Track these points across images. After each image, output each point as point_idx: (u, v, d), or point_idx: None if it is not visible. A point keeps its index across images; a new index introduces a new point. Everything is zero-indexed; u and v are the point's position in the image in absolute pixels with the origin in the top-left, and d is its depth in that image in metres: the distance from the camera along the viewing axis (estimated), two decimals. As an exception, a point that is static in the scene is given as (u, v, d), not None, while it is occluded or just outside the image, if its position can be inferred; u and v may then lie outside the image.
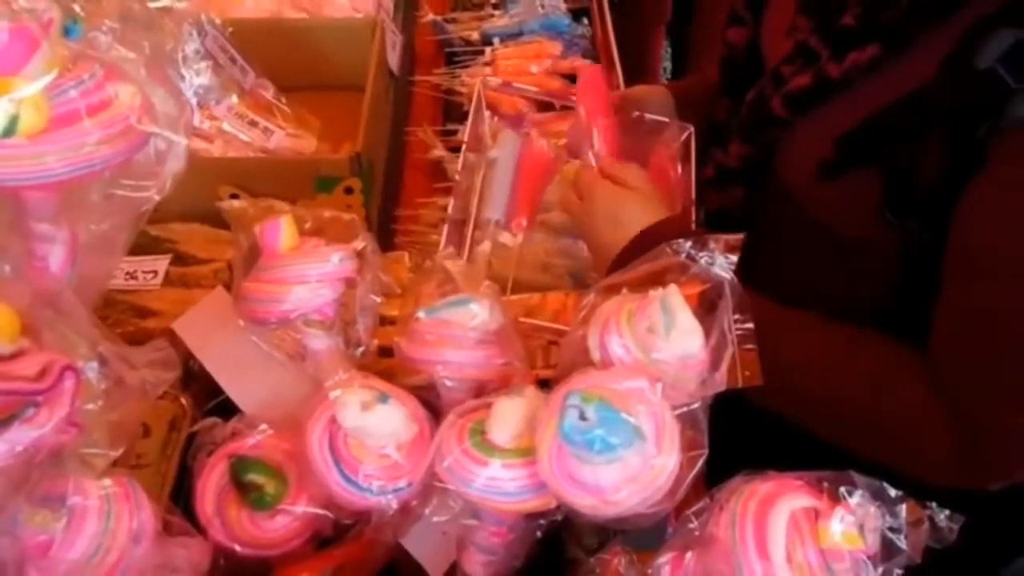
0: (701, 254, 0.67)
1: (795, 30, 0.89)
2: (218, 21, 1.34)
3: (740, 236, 0.68)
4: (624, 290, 0.70)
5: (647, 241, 0.87)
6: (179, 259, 1.13)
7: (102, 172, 0.57)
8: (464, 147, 1.13)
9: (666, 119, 1.07)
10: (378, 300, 0.75)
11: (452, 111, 1.61)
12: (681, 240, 0.67)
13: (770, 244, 0.86)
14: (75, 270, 0.63)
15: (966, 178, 0.74)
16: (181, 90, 0.60)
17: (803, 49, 0.86)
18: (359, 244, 0.74)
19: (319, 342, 0.73)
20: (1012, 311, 0.74)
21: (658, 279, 0.68)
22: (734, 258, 0.67)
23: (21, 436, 0.46)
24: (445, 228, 1.06)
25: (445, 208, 1.39)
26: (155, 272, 1.09)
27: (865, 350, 0.83)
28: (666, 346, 0.62)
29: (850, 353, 0.84)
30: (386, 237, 1.34)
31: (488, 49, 1.71)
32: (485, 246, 1.04)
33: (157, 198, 0.59)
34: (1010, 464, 0.81)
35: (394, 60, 1.49)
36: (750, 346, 0.63)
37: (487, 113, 1.16)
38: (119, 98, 0.57)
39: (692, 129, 1.06)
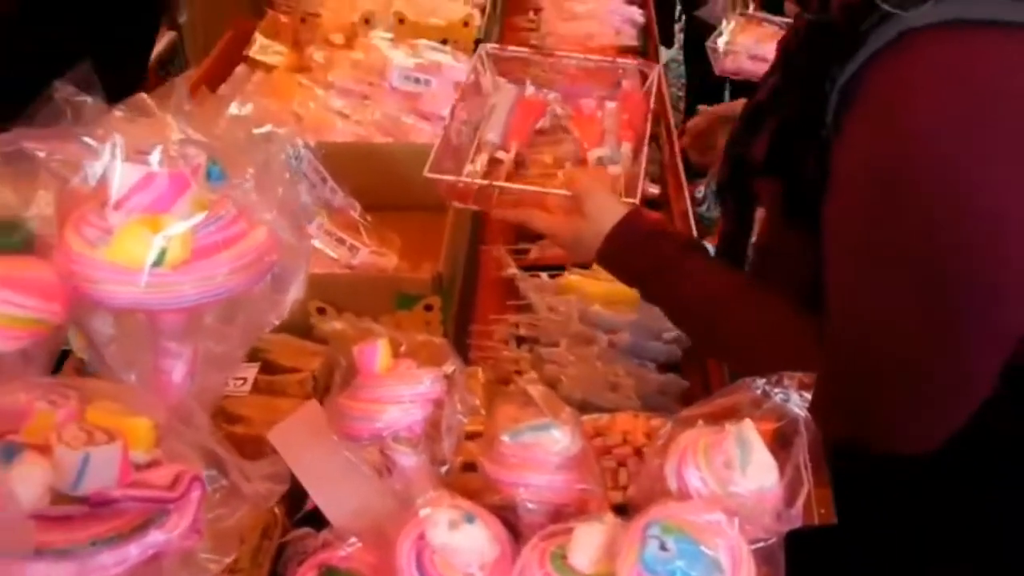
0: (776, 390, 0.70)
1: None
2: (312, 144, 1.44)
3: (813, 376, 0.71)
4: (700, 422, 0.73)
5: (622, 229, 1.04)
6: (267, 367, 1.19)
7: (229, 299, 0.63)
8: (462, 89, 1.37)
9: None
10: (464, 421, 0.79)
11: (524, 231, 1.68)
12: (757, 377, 0.70)
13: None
14: (194, 383, 0.69)
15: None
16: (303, 224, 0.66)
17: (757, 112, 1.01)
18: (448, 368, 0.78)
19: (407, 459, 0.77)
20: (870, 287, 0.81)
21: (733, 413, 0.71)
22: (808, 395, 0.70)
23: (154, 541, 0.51)
24: (436, 144, 1.26)
25: (517, 325, 1.45)
26: (245, 379, 1.15)
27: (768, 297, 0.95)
28: (743, 480, 0.65)
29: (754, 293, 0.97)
30: (460, 351, 1.39)
31: (560, 172, 1.79)
32: (482, 159, 1.26)
33: (276, 323, 0.65)
34: (893, 434, 0.85)
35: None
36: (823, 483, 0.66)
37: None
38: (250, 233, 0.64)
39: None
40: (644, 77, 1.37)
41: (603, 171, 1.25)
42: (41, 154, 0.60)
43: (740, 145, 1.02)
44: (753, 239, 1.02)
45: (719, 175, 1.10)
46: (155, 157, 0.58)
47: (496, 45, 1.46)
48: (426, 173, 1.18)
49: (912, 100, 0.75)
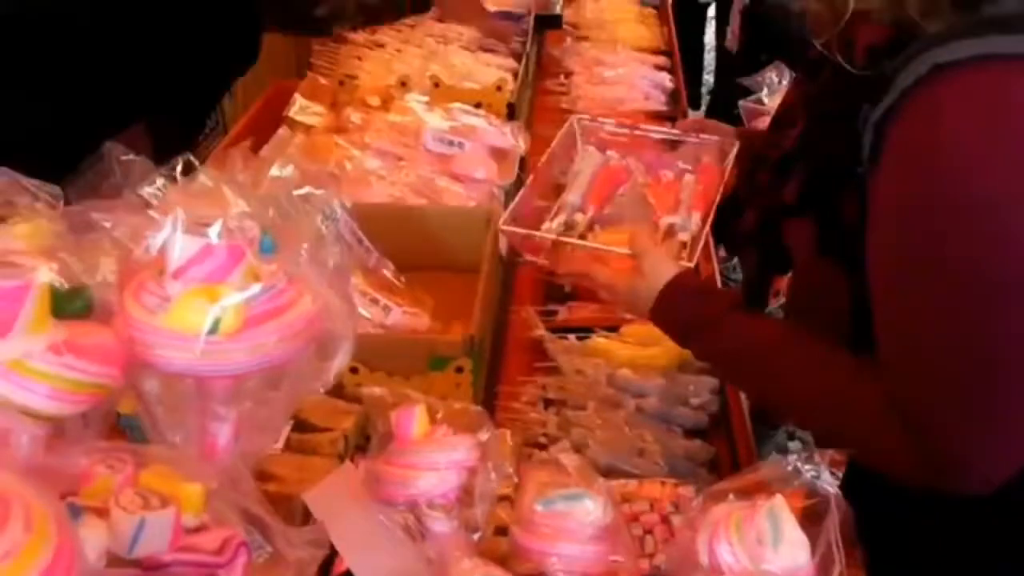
0: (807, 467, 0.72)
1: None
2: (349, 205, 1.48)
3: (844, 452, 0.72)
4: (731, 496, 0.74)
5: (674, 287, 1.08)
6: (299, 426, 1.20)
7: (277, 365, 0.66)
8: (550, 151, 1.43)
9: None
10: (497, 488, 0.80)
11: (552, 292, 1.71)
12: (787, 454, 0.72)
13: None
14: (238, 446, 0.71)
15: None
16: (350, 294, 0.69)
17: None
18: (483, 435, 0.80)
19: (441, 525, 0.78)
20: (920, 311, 0.82)
21: (764, 488, 0.72)
22: (839, 473, 0.71)
23: (203, 605, 0.52)
24: (516, 199, 1.36)
25: (545, 387, 1.46)
26: (277, 437, 1.16)
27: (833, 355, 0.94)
28: (775, 557, 0.66)
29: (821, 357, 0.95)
30: (487, 412, 1.40)
31: (590, 235, 1.82)
32: (560, 219, 1.30)
33: (321, 391, 0.67)
34: (969, 469, 0.84)
35: (504, 244, 1.60)
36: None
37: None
38: (298, 302, 0.66)
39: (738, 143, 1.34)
40: (724, 152, 1.41)
41: (672, 237, 1.29)
42: (107, 224, 0.63)
43: (769, 193, 1.06)
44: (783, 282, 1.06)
45: (741, 226, 1.15)
46: (215, 230, 0.61)
47: (587, 116, 1.51)
48: (500, 225, 1.27)
49: (948, 133, 0.78)
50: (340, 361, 0.67)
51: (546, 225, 1.30)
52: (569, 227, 1.31)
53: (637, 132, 1.48)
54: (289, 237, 0.69)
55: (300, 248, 0.66)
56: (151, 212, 0.62)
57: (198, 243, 0.62)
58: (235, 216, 0.64)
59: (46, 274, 0.57)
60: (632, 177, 1.39)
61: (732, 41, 3.27)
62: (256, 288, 0.61)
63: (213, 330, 0.61)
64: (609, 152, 1.43)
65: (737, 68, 3.10)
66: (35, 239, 0.61)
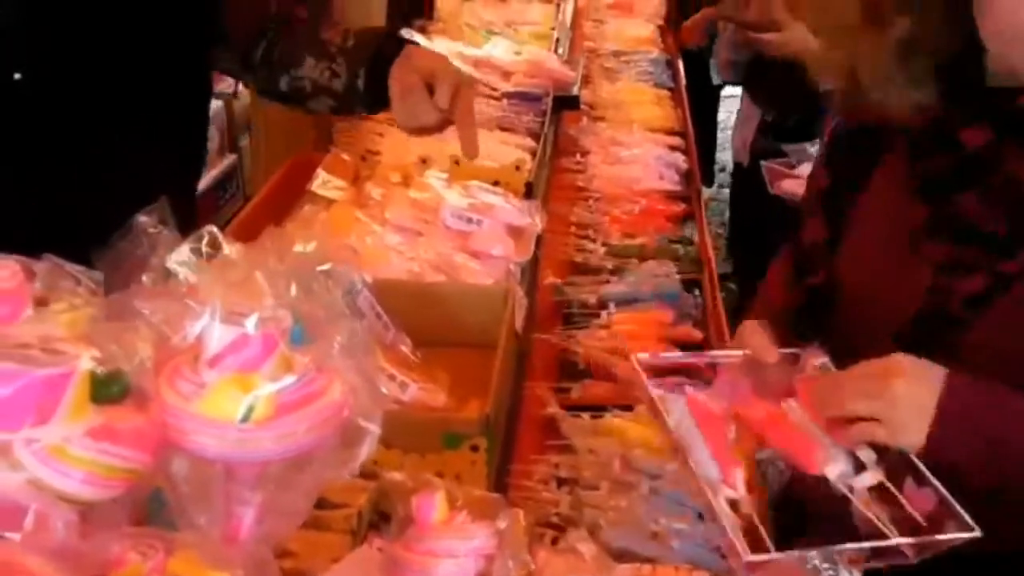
0: (825, 566, 0.72)
1: (918, 251, 1.03)
2: (370, 280, 1.50)
3: (860, 549, 0.73)
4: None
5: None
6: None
7: (305, 453, 0.67)
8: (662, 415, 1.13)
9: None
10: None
11: (567, 370, 1.72)
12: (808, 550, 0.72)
13: None
14: (262, 529, 0.72)
15: None
16: (379, 385, 0.70)
17: (955, 262, 1.00)
18: (501, 523, 0.81)
19: (458, 612, 0.79)
20: None
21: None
22: (856, 572, 0.72)
23: None
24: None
25: (558, 466, 1.46)
26: (293, 513, 1.17)
27: None
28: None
29: None
30: (499, 490, 1.40)
31: (604, 313, 1.84)
32: (723, 505, 1.01)
33: (347, 477, 0.68)
34: None
35: (519, 322, 1.62)
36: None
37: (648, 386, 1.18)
38: (328, 391, 0.68)
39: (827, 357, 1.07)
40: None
41: None
42: (145, 311, 0.65)
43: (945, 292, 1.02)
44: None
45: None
46: (251, 322, 0.63)
47: (647, 356, 1.20)
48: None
49: None
50: (366, 449, 0.68)
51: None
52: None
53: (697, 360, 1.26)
54: (320, 325, 0.71)
55: (332, 340, 0.67)
56: (189, 301, 0.64)
57: (234, 332, 0.64)
58: (269, 307, 0.66)
59: (87, 362, 0.59)
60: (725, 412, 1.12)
61: (742, 154, 3.13)
62: (289, 379, 0.63)
63: (245, 418, 0.63)
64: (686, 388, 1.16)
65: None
66: (76, 326, 0.64)
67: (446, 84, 1.36)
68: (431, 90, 1.37)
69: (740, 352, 1.13)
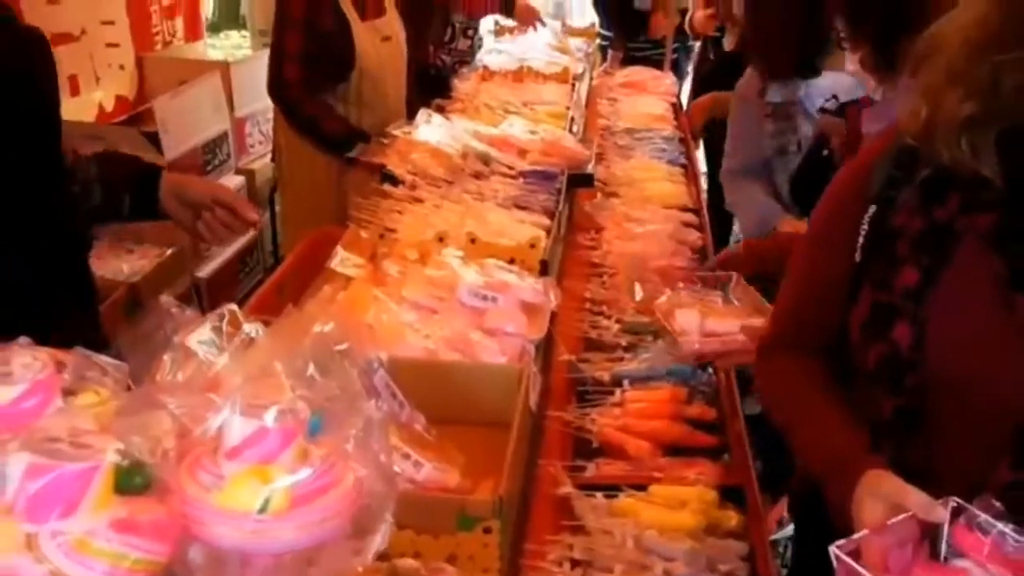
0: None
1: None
2: (385, 359, 1.53)
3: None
4: None
5: None
6: None
7: (319, 544, 0.69)
8: None
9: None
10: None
11: (581, 448, 1.72)
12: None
13: None
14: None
15: None
16: (392, 476, 0.72)
17: None
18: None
19: None
20: None
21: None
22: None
23: None
24: None
25: (571, 547, 1.46)
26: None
27: None
28: None
29: None
30: (513, 572, 1.40)
31: (618, 390, 1.85)
32: None
33: (359, 569, 0.69)
34: None
35: (534, 401, 1.63)
36: None
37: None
38: (342, 482, 0.70)
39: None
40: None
41: None
42: (169, 403, 0.68)
43: None
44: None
45: None
46: (270, 415, 0.65)
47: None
48: None
49: None
50: (379, 539, 0.70)
51: None
52: None
53: None
54: (336, 415, 0.73)
55: (348, 430, 0.69)
56: (211, 395, 0.67)
57: (253, 425, 0.66)
58: (288, 400, 0.68)
59: (113, 455, 0.61)
60: None
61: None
62: (306, 472, 0.65)
63: (263, 509, 0.65)
64: None
65: None
66: (102, 418, 0.66)
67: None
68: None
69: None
